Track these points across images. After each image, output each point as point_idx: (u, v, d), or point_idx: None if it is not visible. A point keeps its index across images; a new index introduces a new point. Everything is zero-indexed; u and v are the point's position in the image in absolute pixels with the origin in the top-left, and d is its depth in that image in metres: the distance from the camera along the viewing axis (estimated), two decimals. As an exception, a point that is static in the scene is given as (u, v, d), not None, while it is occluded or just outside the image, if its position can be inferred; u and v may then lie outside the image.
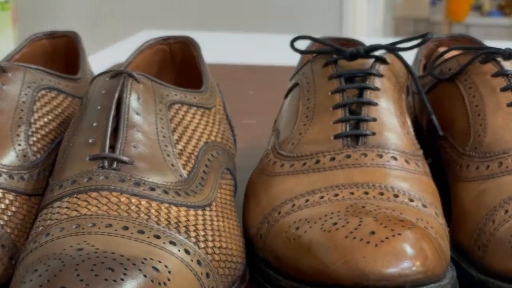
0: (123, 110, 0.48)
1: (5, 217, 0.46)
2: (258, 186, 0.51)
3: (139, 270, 0.38)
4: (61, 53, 0.67)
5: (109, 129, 0.46)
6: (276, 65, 1.10)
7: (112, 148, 0.46)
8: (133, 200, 0.43)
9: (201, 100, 0.54)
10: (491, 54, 0.54)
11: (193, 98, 0.53)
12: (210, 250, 0.43)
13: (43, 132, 0.53)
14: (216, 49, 1.19)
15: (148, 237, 0.41)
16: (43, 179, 0.50)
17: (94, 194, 0.43)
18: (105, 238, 0.40)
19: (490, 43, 0.63)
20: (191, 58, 0.63)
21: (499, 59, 0.54)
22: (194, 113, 0.53)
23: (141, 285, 0.37)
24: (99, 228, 0.41)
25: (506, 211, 0.46)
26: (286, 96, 0.59)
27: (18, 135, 0.51)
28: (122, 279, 0.37)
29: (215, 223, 0.46)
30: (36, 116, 0.53)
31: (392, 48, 0.54)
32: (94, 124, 0.47)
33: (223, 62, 1.12)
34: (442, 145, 0.55)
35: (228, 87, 0.83)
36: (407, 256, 0.41)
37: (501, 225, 0.46)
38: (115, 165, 0.45)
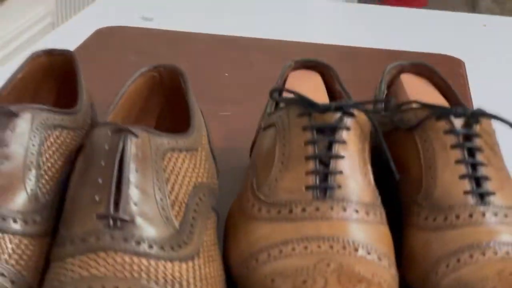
0: (125, 170, 0.55)
1: (23, 262, 0.54)
2: (238, 227, 0.59)
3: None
4: (58, 70, 0.73)
5: (113, 189, 0.54)
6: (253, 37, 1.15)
7: (116, 204, 0.53)
8: (135, 259, 0.51)
9: (189, 143, 0.61)
10: (445, 112, 0.62)
11: (183, 143, 0.60)
12: (199, 303, 0.51)
13: (50, 173, 0.59)
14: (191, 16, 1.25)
15: (150, 301, 0.49)
16: (52, 219, 0.58)
17: (102, 255, 0.51)
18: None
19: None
20: (178, 86, 0.69)
21: (451, 117, 0.62)
22: (184, 157, 0.60)
23: None
24: (108, 291, 0.49)
25: (447, 266, 0.55)
26: (264, 129, 0.66)
27: (30, 179, 0.58)
28: None
29: (203, 271, 0.54)
30: (44, 158, 0.59)
31: (357, 106, 0.61)
32: (100, 181, 0.55)
33: (199, 31, 1.17)
34: (398, 188, 0.63)
35: (202, 67, 0.89)
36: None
37: (442, 278, 0.55)
38: (118, 223, 0.52)
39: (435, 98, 0.73)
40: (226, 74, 1.02)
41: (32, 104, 0.62)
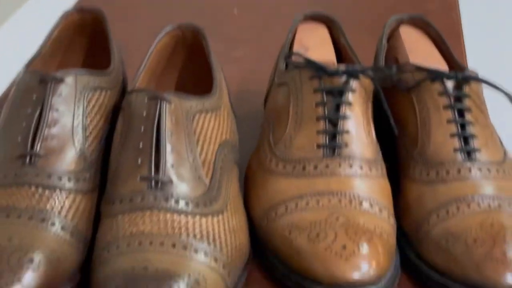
0: (162, 134, 0.63)
1: (78, 216, 0.63)
2: (258, 180, 0.69)
3: (187, 285, 0.56)
4: (88, 27, 0.80)
5: (153, 153, 0.63)
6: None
7: (156, 166, 0.62)
8: (175, 217, 0.60)
9: (214, 103, 0.70)
10: (439, 75, 0.70)
11: (208, 104, 0.69)
12: (229, 253, 0.61)
13: (94, 133, 0.68)
14: None
15: (190, 253, 0.58)
16: (98, 175, 0.67)
17: (148, 213, 0.60)
18: (162, 256, 0.57)
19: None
20: (199, 44, 0.77)
21: (445, 80, 0.70)
22: (210, 118, 0.68)
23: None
24: (154, 246, 0.58)
25: (438, 216, 0.65)
26: (278, 85, 0.74)
27: (78, 140, 0.66)
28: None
29: (231, 223, 0.63)
30: (88, 120, 0.68)
31: (363, 72, 0.69)
32: (140, 146, 0.63)
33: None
34: (397, 143, 0.72)
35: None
36: (366, 268, 0.59)
37: (433, 227, 0.64)
38: (159, 184, 0.62)
39: (429, 49, 0.81)
40: (235, 12, 1.09)
41: (73, 68, 0.70)
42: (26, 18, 1.10)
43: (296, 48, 0.80)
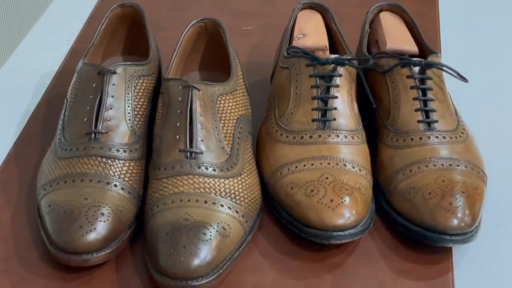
0: (193, 115, 0.84)
1: (132, 179, 0.84)
2: (267, 146, 0.89)
3: (216, 231, 0.77)
4: (128, 19, 1.00)
5: (188, 130, 0.83)
6: None
7: (190, 141, 0.83)
8: (206, 180, 0.81)
9: (232, 86, 0.89)
10: (407, 62, 0.90)
11: (228, 88, 0.89)
12: (247, 205, 0.82)
13: (140, 112, 0.88)
14: None
15: (217, 206, 0.79)
16: (145, 146, 0.88)
17: (185, 177, 0.81)
18: (197, 210, 0.78)
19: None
20: (218, 34, 0.97)
21: (412, 66, 0.90)
22: (229, 98, 0.88)
23: (218, 238, 0.77)
24: (191, 202, 0.79)
25: (403, 174, 0.85)
26: (281, 67, 0.94)
27: (129, 119, 0.87)
28: (210, 238, 0.76)
29: (247, 181, 0.84)
30: (135, 102, 0.88)
31: (347, 62, 0.89)
32: (178, 124, 0.84)
33: None
34: (375, 115, 0.93)
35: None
36: (348, 215, 0.80)
37: (400, 183, 0.85)
38: (193, 155, 0.82)
39: (404, 34, 1.00)
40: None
41: (120, 60, 0.90)
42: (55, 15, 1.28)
43: (296, 33, 0.99)
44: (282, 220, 0.85)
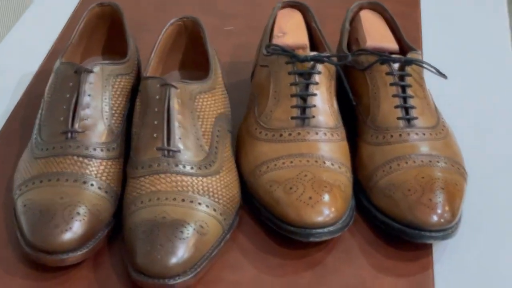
0: (171, 113, 0.83)
1: (110, 178, 0.83)
2: (246, 144, 0.89)
3: (194, 229, 0.77)
4: (107, 18, 0.99)
5: (165, 128, 0.82)
6: None
7: (168, 139, 0.82)
8: (184, 178, 0.81)
9: (210, 85, 0.89)
10: (386, 59, 0.90)
11: (206, 86, 0.88)
12: (225, 203, 0.81)
13: (118, 111, 0.88)
14: None
15: (195, 205, 0.79)
16: (123, 144, 0.87)
17: (163, 176, 0.80)
18: (175, 208, 0.78)
19: None
20: (198, 33, 0.96)
21: (391, 63, 0.89)
22: (208, 97, 0.88)
23: (196, 237, 0.76)
24: (169, 201, 0.78)
25: (383, 171, 0.85)
26: (261, 66, 0.94)
27: (106, 118, 0.86)
28: (187, 236, 0.76)
29: (226, 180, 0.84)
30: (113, 101, 0.87)
31: (326, 59, 0.89)
32: (155, 123, 0.83)
33: None
34: (355, 112, 0.92)
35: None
36: (327, 213, 0.80)
37: (380, 179, 0.85)
38: (171, 153, 0.82)
39: (384, 32, 1.00)
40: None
41: (99, 60, 0.89)
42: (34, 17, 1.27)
43: (276, 31, 0.99)
44: (262, 218, 0.84)
